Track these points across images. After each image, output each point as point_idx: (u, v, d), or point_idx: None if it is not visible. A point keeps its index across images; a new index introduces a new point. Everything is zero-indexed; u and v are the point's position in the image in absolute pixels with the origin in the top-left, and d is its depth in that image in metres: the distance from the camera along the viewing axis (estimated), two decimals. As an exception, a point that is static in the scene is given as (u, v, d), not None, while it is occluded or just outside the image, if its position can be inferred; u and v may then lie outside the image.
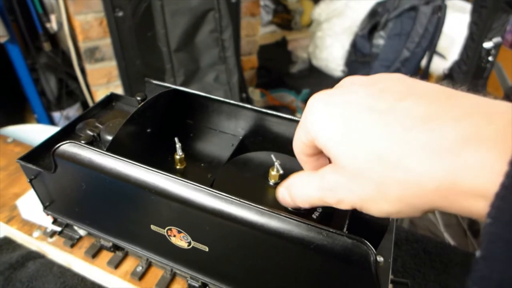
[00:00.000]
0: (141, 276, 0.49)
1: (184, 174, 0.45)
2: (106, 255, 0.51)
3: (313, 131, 0.25)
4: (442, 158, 0.19)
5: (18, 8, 1.31)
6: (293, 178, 0.30)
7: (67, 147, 0.37)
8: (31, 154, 0.44)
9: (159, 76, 1.30)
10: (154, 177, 0.34)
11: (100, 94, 1.46)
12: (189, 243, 0.37)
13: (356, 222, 0.34)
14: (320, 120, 0.25)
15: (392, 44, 1.56)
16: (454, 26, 1.66)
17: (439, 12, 1.45)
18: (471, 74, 1.33)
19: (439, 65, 1.67)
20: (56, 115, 1.57)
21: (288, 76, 2.20)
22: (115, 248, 0.49)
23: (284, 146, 0.45)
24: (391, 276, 0.36)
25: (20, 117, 1.64)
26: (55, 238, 0.54)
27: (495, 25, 1.24)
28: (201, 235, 0.36)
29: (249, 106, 0.46)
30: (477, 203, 0.18)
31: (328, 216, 0.35)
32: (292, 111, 1.93)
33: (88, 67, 1.37)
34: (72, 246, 0.52)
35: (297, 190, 0.29)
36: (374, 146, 0.21)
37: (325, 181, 0.26)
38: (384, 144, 0.21)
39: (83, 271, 0.52)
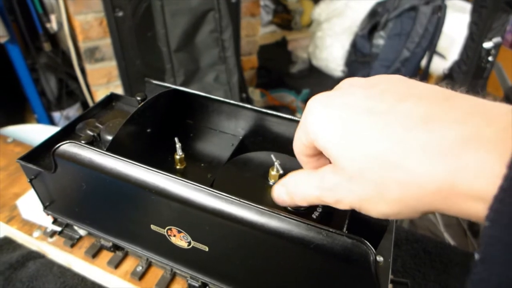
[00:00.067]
0: (141, 276, 0.49)
1: (184, 174, 0.45)
2: (106, 255, 0.51)
3: (312, 133, 0.25)
4: (442, 160, 0.19)
5: (18, 8, 1.31)
6: (291, 176, 0.30)
7: (67, 147, 0.38)
8: (31, 154, 0.44)
9: (159, 76, 1.30)
10: (154, 177, 0.34)
11: (100, 94, 1.46)
12: (189, 243, 0.37)
13: (356, 222, 0.34)
14: (319, 122, 0.25)
15: (392, 44, 1.56)
16: (454, 26, 1.66)
17: (439, 12, 1.45)
18: (471, 74, 1.33)
19: (439, 65, 1.67)
20: (56, 115, 1.57)
21: (288, 76, 2.20)
22: (115, 248, 0.49)
23: (284, 146, 0.45)
24: (391, 276, 0.36)
25: (20, 117, 1.64)
26: (55, 238, 0.54)
27: (495, 25, 1.24)
28: (201, 235, 0.36)
29: (249, 106, 0.46)
30: (476, 206, 0.18)
31: (328, 216, 0.36)
32: (292, 111, 1.93)
33: (88, 67, 1.37)
34: (72, 246, 0.52)
35: (295, 188, 0.29)
36: (374, 147, 0.21)
37: (324, 180, 0.26)
38: (384, 145, 0.21)
39: (83, 271, 0.52)
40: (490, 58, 1.29)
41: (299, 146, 0.29)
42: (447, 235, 0.99)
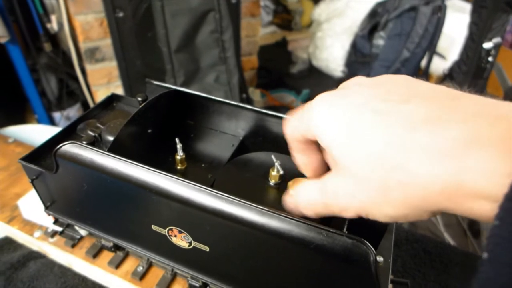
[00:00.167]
0: (142, 276, 0.49)
1: (184, 175, 0.45)
2: (107, 255, 0.51)
3: (316, 130, 0.25)
4: (446, 160, 0.19)
5: (18, 9, 1.31)
6: (299, 185, 0.30)
7: (69, 147, 0.38)
8: (33, 154, 0.44)
9: (160, 76, 1.30)
10: (155, 178, 0.34)
11: (100, 94, 1.46)
12: (190, 243, 0.37)
13: (356, 222, 0.34)
14: (325, 120, 0.25)
15: (392, 45, 1.56)
16: (454, 26, 1.66)
17: (439, 12, 1.45)
18: (471, 74, 1.33)
19: (439, 66, 1.67)
20: (57, 115, 1.57)
21: (288, 77, 2.20)
22: (116, 248, 0.49)
23: (284, 146, 0.45)
24: (391, 276, 0.36)
25: (20, 118, 1.64)
26: (56, 238, 0.54)
27: (495, 26, 1.24)
28: (202, 235, 0.36)
29: (249, 106, 0.46)
30: (483, 205, 0.18)
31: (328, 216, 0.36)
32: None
33: (89, 67, 1.37)
34: (73, 246, 0.52)
35: (301, 198, 0.29)
36: (378, 148, 0.21)
37: (327, 187, 0.26)
38: (388, 146, 0.21)
39: (84, 271, 0.52)
40: (490, 59, 1.29)
41: (294, 133, 0.28)
42: (447, 235, 0.99)
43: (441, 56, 1.80)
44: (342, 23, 2.04)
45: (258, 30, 1.67)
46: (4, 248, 0.56)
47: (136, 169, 0.35)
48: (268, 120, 0.46)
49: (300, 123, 0.27)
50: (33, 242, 0.55)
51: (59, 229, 0.51)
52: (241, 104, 0.47)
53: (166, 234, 0.38)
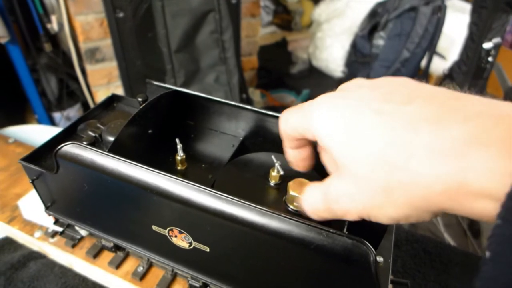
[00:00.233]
0: (142, 276, 0.49)
1: (185, 175, 0.45)
2: (107, 255, 0.51)
3: (317, 132, 0.25)
4: (448, 159, 0.19)
5: (18, 9, 1.31)
6: (305, 190, 0.30)
7: (69, 148, 0.38)
8: (33, 154, 0.44)
9: (160, 76, 1.30)
10: (156, 178, 0.34)
11: (100, 95, 1.46)
12: (190, 244, 0.37)
13: (356, 222, 0.34)
14: (326, 121, 0.25)
15: (392, 45, 1.56)
16: (454, 26, 1.66)
17: (439, 12, 1.45)
18: (471, 74, 1.33)
19: (439, 66, 1.68)
20: (57, 115, 1.57)
21: (288, 77, 2.20)
22: (116, 248, 0.49)
23: (284, 147, 0.45)
24: (391, 277, 0.37)
25: (20, 118, 1.64)
26: (57, 238, 0.54)
27: (494, 26, 1.24)
28: (202, 236, 0.36)
29: (249, 107, 0.47)
30: (484, 204, 0.18)
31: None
32: (292, 112, 1.93)
33: (89, 67, 1.37)
34: (74, 246, 0.53)
35: (306, 204, 0.29)
36: (379, 149, 0.21)
37: (330, 191, 0.25)
38: (389, 146, 0.21)
39: (84, 271, 0.53)
40: (490, 59, 1.30)
41: (291, 130, 0.28)
42: (447, 235, 0.99)
43: (441, 56, 1.80)
44: (342, 23, 2.04)
45: (258, 30, 1.67)
46: (4, 248, 0.56)
47: (136, 169, 0.35)
48: (268, 120, 0.46)
49: (300, 123, 0.27)
50: (34, 242, 0.55)
51: (60, 229, 0.52)
52: (241, 105, 0.47)
53: (167, 234, 0.38)
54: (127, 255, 0.51)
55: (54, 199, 0.47)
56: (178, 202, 0.34)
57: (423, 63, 1.57)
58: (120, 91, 1.44)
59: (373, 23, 1.62)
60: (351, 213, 0.24)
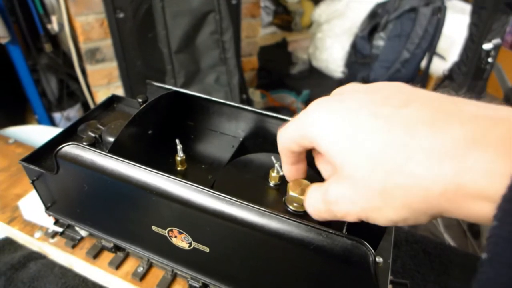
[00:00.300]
0: (142, 277, 0.49)
1: (185, 176, 0.45)
2: (107, 256, 0.51)
3: (314, 138, 0.25)
4: (446, 161, 0.19)
5: (19, 9, 1.31)
6: (307, 192, 0.30)
7: (70, 148, 0.38)
8: (34, 155, 0.45)
9: (160, 77, 1.30)
10: (156, 179, 0.34)
11: (100, 95, 1.46)
12: (190, 244, 0.37)
13: (356, 223, 0.35)
14: (321, 127, 0.25)
15: (392, 45, 1.56)
16: (454, 27, 1.66)
17: (439, 13, 1.46)
18: (470, 75, 1.33)
19: (439, 66, 1.67)
20: (57, 115, 1.58)
21: (288, 77, 2.20)
22: (116, 248, 0.49)
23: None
24: (390, 277, 0.37)
25: (21, 118, 1.64)
26: (57, 238, 0.54)
27: (494, 27, 1.24)
28: (202, 236, 0.36)
29: (249, 108, 0.47)
30: (484, 206, 0.18)
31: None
32: (293, 112, 1.93)
33: (89, 68, 1.38)
34: (74, 246, 0.53)
35: (308, 205, 0.29)
36: (377, 151, 0.21)
37: (329, 194, 0.26)
38: (387, 149, 0.21)
39: (85, 272, 0.53)
40: (489, 59, 1.30)
41: (288, 142, 0.29)
42: (447, 235, 0.99)
43: (441, 57, 1.80)
44: (342, 24, 2.04)
45: (258, 31, 1.67)
46: (4, 249, 0.56)
47: (136, 170, 0.35)
48: (268, 121, 0.46)
49: (296, 131, 0.27)
50: (34, 243, 0.55)
51: (60, 229, 0.52)
52: (241, 106, 0.47)
53: (166, 235, 0.38)
54: (127, 255, 0.51)
55: (54, 199, 0.47)
56: (178, 202, 0.34)
57: (423, 63, 1.57)
58: (120, 91, 1.44)
59: (373, 24, 1.62)
60: (351, 214, 0.25)
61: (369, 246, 0.28)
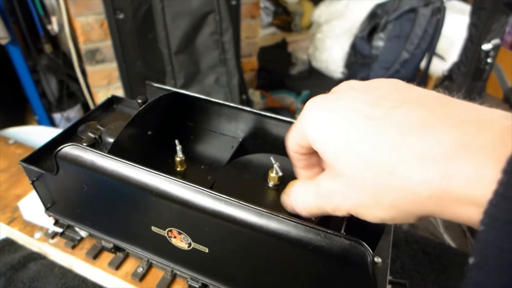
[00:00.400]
0: (142, 277, 0.49)
1: (184, 176, 0.45)
2: (107, 256, 0.51)
3: (309, 136, 0.26)
4: (435, 166, 0.19)
5: (19, 10, 1.31)
6: (294, 186, 0.31)
7: (69, 149, 0.38)
8: (33, 156, 0.45)
9: (160, 78, 1.30)
10: (155, 179, 0.35)
11: (100, 96, 1.46)
12: (190, 244, 0.37)
13: (354, 223, 0.35)
14: (317, 125, 0.25)
15: (391, 46, 1.56)
16: (454, 27, 1.66)
17: (438, 14, 1.46)
18: (470, 75, 1.33)
19: (438, 67, 1.68)
20: (57, 116, 1.58)
21: (288, 78, 2.20)
22: (116, 249, 0.50)
23: (283, 148, 0.45)
24: (389, 277, 0.37)
25: (21, 119, 1.64)
26: (57, 239, 0.54)
27: (494, 27, 1.24)
28: (201, 237, 0.36)
29: (248, 108, 0.47)
30: (470, 210, 0.19)
31: (326, 217, 0.36)
32: (292, 113, 1.93)
33: (89, 68, 1.38)
34: (73, 247, 0.53)
35: (296, 199, 0.30)
36: (369, 153, 0.22)
37: (321, 188, 0.26)
38: (378, 151, 0.21)
39: (84, 272, 0.53)
40: (489, 60, 1.30)
41: (293, 145, 0.29)
42: (446, 236, 0.99)
43: (441, 58, 1.80)
44: (341, 24, 2.04)
45: (258, 32, 1.68)
46: (4, 249, 0.57)
47: (136, 170, 0.35)
48: (267, 122, 0.46)
49: (296, 132, 0.28)
50: (34, 243, 0.56)
51: (60, 230, 0.52)
52: (240, 106, 0.47)
53: (166, 235, 0.38)
54: (126, 256, 0.51)
55: (54, 200, 0.47)
56: (177, 203, 0.34)
57: (423, 64, 1.57)
58: (120, 92, 1.44)
59: (372, 24, 1.62)
60: (340, 209, 0.25)
61: (367, 246, 0.28)
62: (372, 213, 0.23)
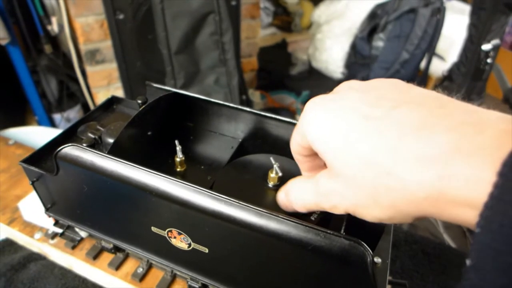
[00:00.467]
0: (142, 278, 0.49)
1: (184, 177, 0.45)
2: (107, 257, 0.51)
3: (309, 136, 0.26)
4: (431, 167, 0.19)
5: (19, 11, 1.31)
6: (291, 183, 0.31)
7: (69, 149, 0.38)
8: (33, 156, 0.45)
9: (160, 78, 1.30)
10: (155, 180, 0.35)
11: (100, 96, 1.46)
12: (189, 245, 0.37)
13: (354, 223, 0.35)
14: (316, 125, 0.25)
15: (391, 46, 1.56)
16: (453, 28, 1.67)
17: (438, 14, 1.46)
18: (470, 76, 1.33)
19: (438, 67, 1.68)
20: (57, 117, 1.58)
21: (288, 78, 2.20)
22: (116, 249, 0.50)
23: (283, 148, 0.45)
24: (389, 277, 0.37)
25: (21, 119, 1.65)
26: (57, 239, 0.54)
27: (493, 27, 1.24)
28: (201, 237, 0.36)
29: (248, 109, 0.47)
30: (467, 212, 0.19)
31: (326, 218, 0.36)
32: (292, 113, 1.93)
33: (89, 69, 1.38)
34: (73, 247, 0.53)
35: (294, 195, 0.30)
36: (367, 154, 0.22)
37: (320, 186, 0.26)
38: (377, 152, 0.22)
39: (84, 273, 0.53)
40: (489, 60, 1.30)
41: (295, 146, 0.30)
42: (446, 236, 0.99)
43: (440, 58, 1.80)
44: (341, 25, 2.04)
45: (258, 32, 1.68)
46: (4, 250, 0.57)
47: (136, 171, 0.35)
48: (267, 122, 0.46)
49: (297, 133, 0.28)
50: (34, 244, 0.56)
51: (60, 230, 0.52)
52: (240, 107, 0.47)
53: (166, 235, 0.38)
54: (126, 256, 0.51)
55: (54, 200, 0.47)
56: (177, 203, 0.34)
57: (423, 64, 1.57)
58: (120, 92, 1.44)
59: (372, 24, 1.62)
60: (339, 208, 0.26)
61: (366, 246, 0.28)
62: (370, 213, 0.24)
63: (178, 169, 0.46)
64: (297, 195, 0.30)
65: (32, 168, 0.43)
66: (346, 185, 0.24)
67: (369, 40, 1.64)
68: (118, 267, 0.50)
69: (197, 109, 0.50)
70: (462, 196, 0.18)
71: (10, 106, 1.59)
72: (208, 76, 1.32)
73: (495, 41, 1.26)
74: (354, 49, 1.74)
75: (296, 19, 2.38)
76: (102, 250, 0.51)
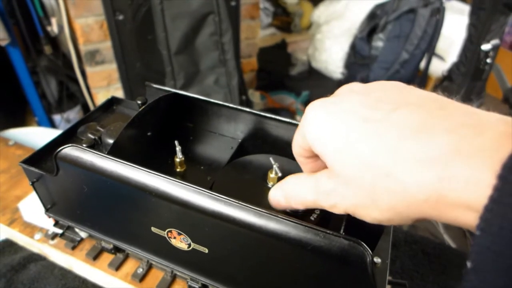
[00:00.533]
0: (142, 278, 0.49)
1: (184, 177, 0.45)
2: (107, 257, 0.51)
3: (310, 138, 0.26)
4: (431, 169, 0.19)
5: (19, 11, 1.32)
6: (289, 180, 0.31)
7: (69, 150, 0.38)
8: (33, 157, 0.45)
9: (159, 79, 1.30)
10: (155, 180, 0.35)
11: (100, 97, 1.46)
12: (189, 245, 0.37)
13: (353, 223, 0.35)
14: (317, 127, 0.25)
15: (391, 46, 1.56)
16: (453, 28, 1.67)
17: (438, 14, 1.46)
18: (469, 76, 1.33)
19: (438, 67, 1.68)
20: (57, 117, 1.58)
21: (288, 78, 2.20)
22: (116, 250, 0.50)
23: (282, 149, 0.45)
24: (389, 277, 0.37)
25: (21, 120, 1.65)
26: (57, 240, 0.54)
27: (493, 27, 1.24)
28: (201, 237, 0.36)
29: (248, 109, 0.47)
30: (466, 215, 0.19)
31: (325, 218, 0.36)
32: (292, 113, 1.93)
33: (89, 69, 1.38)
34: (73, 248, 0.53)
35: (292, 191, 0.30)
36: (367, 156, 0.22)
37: (320, 185, 0.26)
38: (377, 154, 0.22)
39: (84, 273, 0.53)
40: (488, 60, 1.30)
41: (297, 148, 0.30)
42: (446, 236, 0.99)
43: (440, 58, 1.80)
44: (341, 25, 2.05)
45: (258, 32, 1.68)
46: (4, 250, 0.57)
47: (135, 171, 0.35)
48: (266, 122, 0.47)
49: (298, 135, 0.28)
50: (34, 244, 0.56)
51: (60, 231, 0.52)
52: (239, 107, 0.47)
53: (166, 236, 0.38)
54: (126, 256, 0.51)
55: (54, 201, 0.47)
56: (177, 204, 0.34)
57: (422, 64, 1.57)
58: (120, 93, 1.44)
59: (372, 25, 1.62)
60: (338, 207, 0.26)
61: (366, 246, 0.28)
62: (369, 214, 0.24)
63: (177, 170, 0.46)
64: (296, 190, 0.29)
65: (32, 168, 0.43)
66: (346, 186, 0.24)
67: (368, 40, 1.64)
68: (118, 268, 0.50)
69: (197, 110, 0.50)
70: (461, 198, 0.18)
71: (10, 107, 1.59)
72: (207, 77, 1.32)
73: (495, 41, 1.26)
74: (353, 49, 1.74)
75: (296, 20, 2.38)
76: (102, 250, 0.51)
